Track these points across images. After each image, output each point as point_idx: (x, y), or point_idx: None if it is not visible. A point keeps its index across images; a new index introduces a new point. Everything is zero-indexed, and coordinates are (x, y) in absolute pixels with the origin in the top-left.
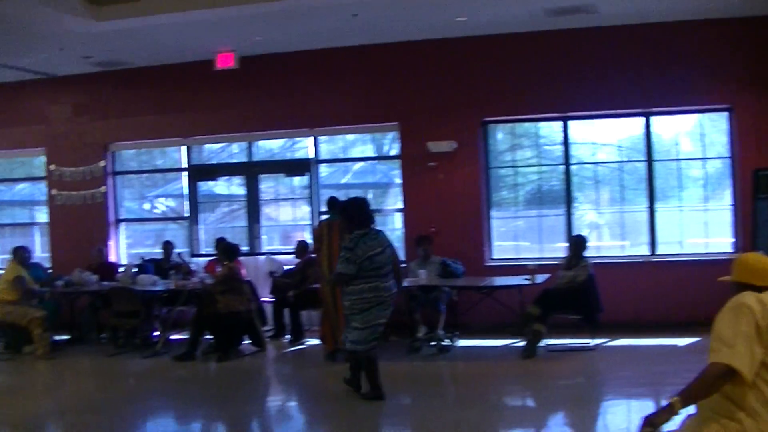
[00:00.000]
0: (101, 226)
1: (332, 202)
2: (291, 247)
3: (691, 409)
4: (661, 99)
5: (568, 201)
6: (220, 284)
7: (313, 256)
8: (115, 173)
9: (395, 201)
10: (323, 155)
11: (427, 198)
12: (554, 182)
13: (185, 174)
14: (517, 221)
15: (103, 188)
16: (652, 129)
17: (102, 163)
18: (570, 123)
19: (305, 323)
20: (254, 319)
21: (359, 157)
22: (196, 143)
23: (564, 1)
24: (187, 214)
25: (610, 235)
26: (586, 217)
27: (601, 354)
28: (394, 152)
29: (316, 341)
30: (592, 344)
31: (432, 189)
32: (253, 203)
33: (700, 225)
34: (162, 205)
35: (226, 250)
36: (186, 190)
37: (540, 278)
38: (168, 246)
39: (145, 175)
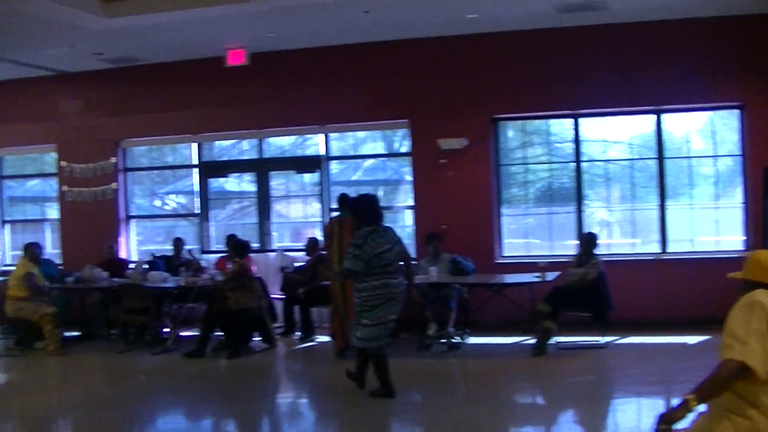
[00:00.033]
0: (112, 222)
1: (343, 199)
2: (301, 244)
3: (702, 407)
4: (672, 96)
5: (579, 198)
6: (230, 281)
7: (323, 253)
8: (126, 170)
9: (406, 198)
10: (334, 152)
11: (437, 195)
12: (565, 180)
13: (196, 171)
14: (527, 218)
15: (114, 185)
16: (663, 126)
17: (113, 160)
18: (581, 120)
19: (315, 320)
20: (264, 316)
21: (370, 154)
22: (207, 140)
23: None
24: (197, 211)
25: (621, 232)
26: (596, 214)
27: (611, 352)
28: (404, 149)
29: (326, 338)
30: (602, 342)
31: (442, 186)
32: (263, 200)
33: (711, 223)
34: (173, 202)
35: (236, 246)
36: (197, 187)
37: (550, 276)
38: (178, 243)
39: (155, 171)
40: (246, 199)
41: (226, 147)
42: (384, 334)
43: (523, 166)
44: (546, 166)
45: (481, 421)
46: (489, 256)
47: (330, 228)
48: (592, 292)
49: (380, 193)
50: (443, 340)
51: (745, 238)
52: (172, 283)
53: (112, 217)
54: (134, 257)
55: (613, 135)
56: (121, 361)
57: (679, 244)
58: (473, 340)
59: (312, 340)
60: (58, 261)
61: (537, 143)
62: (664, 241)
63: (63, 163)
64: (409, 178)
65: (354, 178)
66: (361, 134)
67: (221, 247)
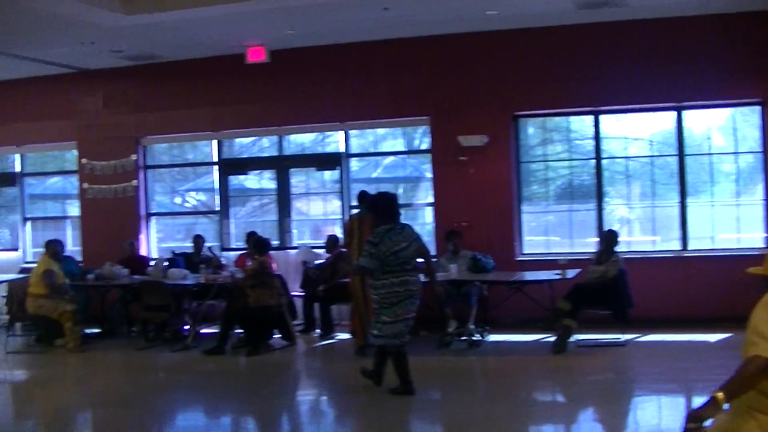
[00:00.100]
0: (132, 219)
1: (363, 196)
2: (321, 242)
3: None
4: (693, 93)
5: (599, 196)
6: (250, 278)
7: (343, 250)
8: (146, 167)
9: (426, 195)
10: (354, 149)
11: (457, 192)
12: (585, 177)
13: (216, 168)
14: (547, 216)
15: (134, 182)
16: (684, 123)
17: (133, 157)
18: (601, 117)
19: (335, 318)
20: (284, 313)
21: (390, 152)
22: (227, 137)
23: None
24: (217, 208)
25: (641, 230)
26: (617, 212)
27: (631, 349)
28: (424, 146)
29: (346, 336)
30: (622, 340)
31: (463, 183)
32: (283, 197)
33: (731, 220)
34: (193, 199)
35: (257, 244)
36: (217, 184)
37: (570, 273)
38: (198, 240)
39: (176, 169)
40: (266, 197)
41: (246, 144)
42: (404, 330)
43: (543, 163)
44: (566, 163)
45: (501, 419)
46: (509, 253)
47: (350, 225)
48: (612, 289)
49: (400, 191)
50: (463, 338)
51: (766, 235)
52: (192, 280)
53: (133, 215)
54: (154, 254)
55: (634, 132)
56: (141, 358)
57: (699, 242)
58: (493, 337)
59: (332, 338)
60: (78, 258)
61: (557, 140)
62: (684, 239)
63: (83, 161)
64: (429, 175)
65: (374, 175)
66: (381, 131)
67: (241, 244)
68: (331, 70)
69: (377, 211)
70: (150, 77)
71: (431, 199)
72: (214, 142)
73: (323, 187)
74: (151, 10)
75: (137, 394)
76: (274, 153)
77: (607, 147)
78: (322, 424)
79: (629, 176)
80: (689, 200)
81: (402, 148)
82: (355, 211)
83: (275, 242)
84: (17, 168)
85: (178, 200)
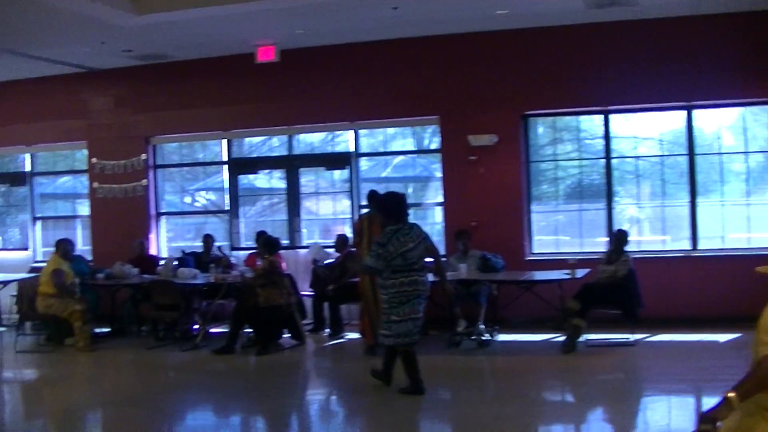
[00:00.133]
0: (142, 219)
1: (372, 195)
2: (331, 241)
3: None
4: (703, 92)
5: (609, 195)
6: (260, 278)
7: (353, 249)
8: (156, 166)
9: (435, 195)
10: (363, 149)
11: (467, 192)
12: (595, 176)
13: (226, 167)
14: (557, 215)
15: (144, 181)
16: (694, 122)
17: (143, 157)
18: (611, 116)
19: (345, 317)
20: (294, 312)
21: (400, 151)
22: (237, 137)
23: None
24: (227, 208)
25: (651, 229)
26: (626, 211)
27: (641, 349)
28: (434, 146)
29: (355, 335)
30: (632, 339)
31: (472, 183)
32: (293, 197)
33: (742, 219)
34: (203, 199)
35: (266, 243)
36: (226, 184)
37: (580, 273)
38: (208, 239)
39: (185, 168)
40: (275, 196)
41: (255, 144)
42: (412, 330)
43: (553, 163)
44: (576, 163)
45: (510, 419)
46: (518, 253)
47: (359, 225)
48: (622, 289)
49: (410, 190)
50: (472, 337)
51: None
52: (201, 279)
53: (143, 214)
54: (164, 254)
55: (644, 131)
56: (151, 358)
57: (709, 241)
58: (502, 337)
59: (341, 337)
60: (88, 257)
61: (567, 140)
62: (694, 238)
63: (93, 160)
64: (438, 174)
65: (383, 174)
66: (390, 131)
67: (251, 243)
68: (340, 69)
69: (385, 211)
70: (160, 77)
71: (441, 199)
72: (224, 142)
73: (333, 186)
74: (161, 10)
75: (147, 394)
76: (284, 152)
77: (616, 146)
78: (331, 423)
79: (639, 176)
80: (699, 200)
81: (411, 148)
82: (364, 210)
83: (285, 242)
84: (27, 167)
85: (187, 200)
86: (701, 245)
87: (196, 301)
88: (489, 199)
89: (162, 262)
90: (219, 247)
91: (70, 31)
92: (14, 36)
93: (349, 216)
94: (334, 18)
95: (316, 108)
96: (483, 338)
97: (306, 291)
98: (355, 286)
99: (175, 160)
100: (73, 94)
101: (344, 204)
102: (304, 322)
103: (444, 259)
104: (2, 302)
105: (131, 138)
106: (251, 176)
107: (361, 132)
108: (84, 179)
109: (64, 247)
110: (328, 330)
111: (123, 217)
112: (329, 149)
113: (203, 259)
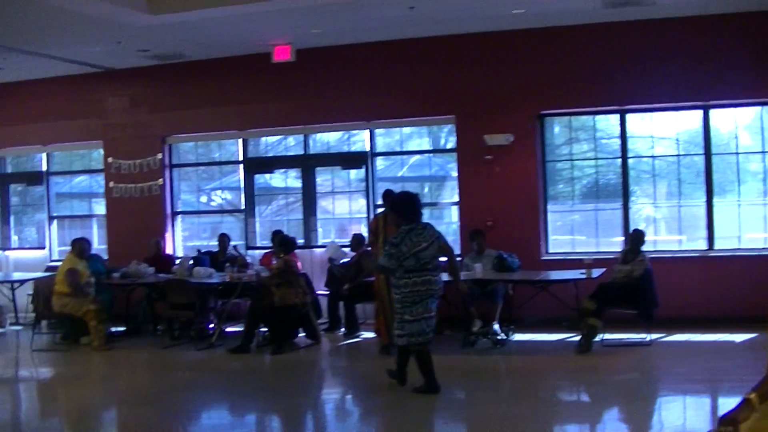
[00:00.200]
0: (158, 218)
1: (388, 195)
2: (347, 240)
3: None
4: (720, 91)
5: (625, 195)
6: (275, 277)
7: (368, 249)
8: (172, 166)
9: (451, 194)
10: (379, 148)
11: (483, 191)
12: (611, 176)
13: (242, 167)
14: (573, 215)
15: (160, 181)
16: (711, 122)
17: (159, 156)
18: (627, 116)
19: (360, 316)
20: (309, 312)
21: (416, 150)
22: (253, 136)
23: None
24: (243, 207)
25: (667, 229)
26: (643, 211)
27: (657, 349)
28: (450, 145)
29: (370, 334)
30: (648, 339)
31: (488, 182)
32: (309, 196)
33: (759, 219)
34: (218, 198)
35: (282, 242)
36: (242, 183)
37: (596, 272)
38: (224, 239)
39: (201, 167)
40: (291, 195)
41: (271, 143)
42: (425, 329)
43: (569, 162)
44: (592, 162)
45: (525, 418)
46: (534, 252)
47: (375, 224)
48: (638, 289)
49: (426, 190)
50: (488, 337)
51: None
52: (217, 278)
53: (159, 213)
54: (180, 253)
55: (660, 131)
56: (166, 357)
57: (726, 241)
58: (518, 336)
59: (356, 337)
60: (104, 256)
61: (583, 139)
62: (711, 238)
63: (110, 160)
64: (454, 174)
65: (399, 174)
66: (406, 130)
67: (266, 243)
68: (356, 68)
69: (398, 211)
70: (176, 76)
71: (457, 198)
72: (240, 141)
73: (348, 185)
74: (176, 10)
75: (162, 393)
76: (300, 152)
77: (633, 146)
78: (346, 422)
79: (655, 175)
80: (716, 199)
81: (427, 147)
82: (380, 210)
83: (300, 241)
84: (44, 167)
85: (203, 199)
86: (717, 245)
87: (212, 301)
88: (505, 199)
89: (177, 262)
90: (234, 247)
91: (85, 31)
92: (30, 36)
93: (365, 215)
94: (350, 17)
95: (332, 107)
96: (498, 338)
97: (321, 290)
98: (370, 286)
99: (191, 160)
100: (90, 94)
101: (360, 203)
102: (320, 321)
103: (459, 258)
104: (18, 301)
105: (147, 137)
106: (267, 175)
107: (377, 131)
108: (100, 179)
109: (79, 246)
110: (343, 329)
111: (139, 216)
112: (345, 149)
113: (219, 258)
